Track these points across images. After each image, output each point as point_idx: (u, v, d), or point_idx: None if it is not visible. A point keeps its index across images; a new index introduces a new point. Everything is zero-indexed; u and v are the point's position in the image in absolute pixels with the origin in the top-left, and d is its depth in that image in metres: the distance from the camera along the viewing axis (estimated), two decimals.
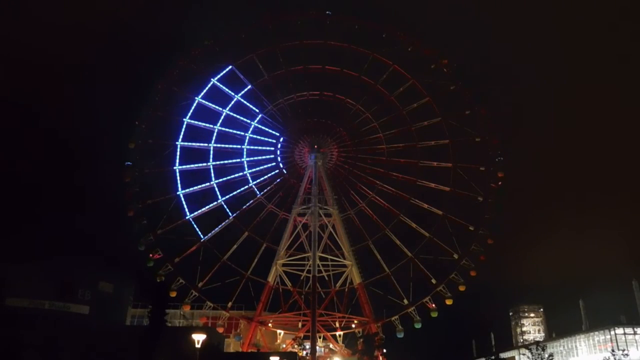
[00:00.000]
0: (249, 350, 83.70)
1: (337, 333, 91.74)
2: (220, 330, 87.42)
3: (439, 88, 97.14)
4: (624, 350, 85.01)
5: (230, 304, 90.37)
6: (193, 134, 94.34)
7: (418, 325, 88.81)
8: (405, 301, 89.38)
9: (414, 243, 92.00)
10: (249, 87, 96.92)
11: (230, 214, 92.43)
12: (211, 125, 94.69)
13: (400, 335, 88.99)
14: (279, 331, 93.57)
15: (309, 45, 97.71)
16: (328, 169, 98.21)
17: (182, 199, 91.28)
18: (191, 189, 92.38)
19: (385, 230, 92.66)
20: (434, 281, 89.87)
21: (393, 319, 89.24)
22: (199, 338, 45.04)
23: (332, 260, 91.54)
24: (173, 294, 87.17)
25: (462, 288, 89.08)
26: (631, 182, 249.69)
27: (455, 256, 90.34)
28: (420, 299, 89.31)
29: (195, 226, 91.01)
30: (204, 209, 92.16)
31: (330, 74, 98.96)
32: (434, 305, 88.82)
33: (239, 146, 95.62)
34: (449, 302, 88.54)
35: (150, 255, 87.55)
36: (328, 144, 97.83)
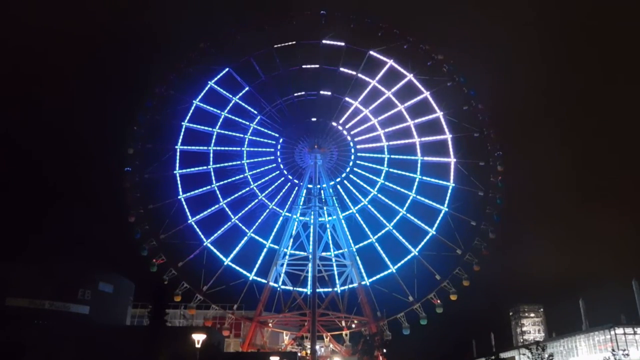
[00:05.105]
0: (249, 350, 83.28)
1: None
2: (226, 333, 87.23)
3: (436, 84, 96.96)
4: (624, 350, 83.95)
5: (235, 306, 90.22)
6: (192, 137, 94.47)
7: (424, 322, 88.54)
8: (411, 298, 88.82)
9: (417, 239, 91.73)
10: (247, 88, 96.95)
11: (232, 216, 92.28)
12: (210, 128, 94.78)
13: (407, 332, 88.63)
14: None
15: (305, 45, 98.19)
16: (329, 168, 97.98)
17: (184, 202, 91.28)
18: (192, 192, 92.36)
19: (389, 228, 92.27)
20: (438, 277, 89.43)
21: (399, 316, 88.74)
22: (199, 338, 45.13)
23: (333, 260, 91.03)
24: (178, 299, 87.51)
25: (466, 283, 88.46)
26: (632, 181, 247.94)
27: (459, 252, 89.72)
28: (425, 296, 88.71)
29: (197, 229, 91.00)
30: (205, 212, 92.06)
31: (328, 73, 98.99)
32: (439, 301, 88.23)
33: (238, 148, 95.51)
34: (453, 297, 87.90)
35: (154, 260, 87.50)
36: (328, 143, 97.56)
